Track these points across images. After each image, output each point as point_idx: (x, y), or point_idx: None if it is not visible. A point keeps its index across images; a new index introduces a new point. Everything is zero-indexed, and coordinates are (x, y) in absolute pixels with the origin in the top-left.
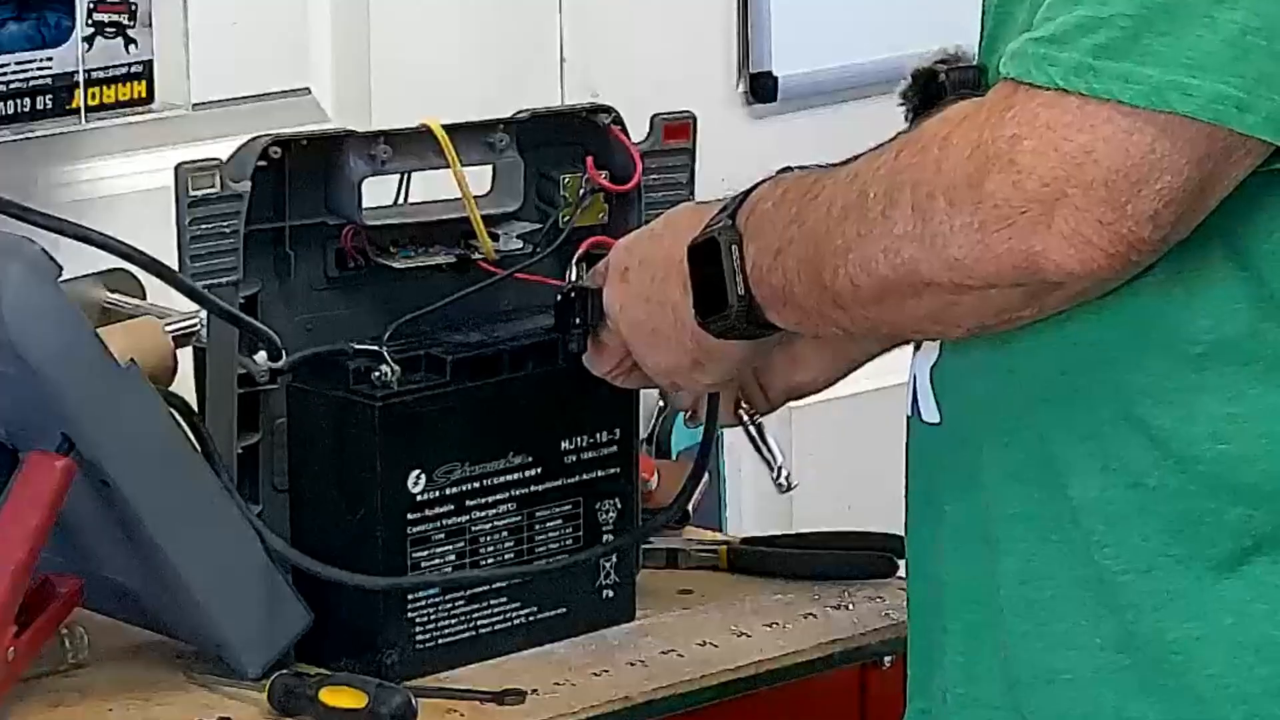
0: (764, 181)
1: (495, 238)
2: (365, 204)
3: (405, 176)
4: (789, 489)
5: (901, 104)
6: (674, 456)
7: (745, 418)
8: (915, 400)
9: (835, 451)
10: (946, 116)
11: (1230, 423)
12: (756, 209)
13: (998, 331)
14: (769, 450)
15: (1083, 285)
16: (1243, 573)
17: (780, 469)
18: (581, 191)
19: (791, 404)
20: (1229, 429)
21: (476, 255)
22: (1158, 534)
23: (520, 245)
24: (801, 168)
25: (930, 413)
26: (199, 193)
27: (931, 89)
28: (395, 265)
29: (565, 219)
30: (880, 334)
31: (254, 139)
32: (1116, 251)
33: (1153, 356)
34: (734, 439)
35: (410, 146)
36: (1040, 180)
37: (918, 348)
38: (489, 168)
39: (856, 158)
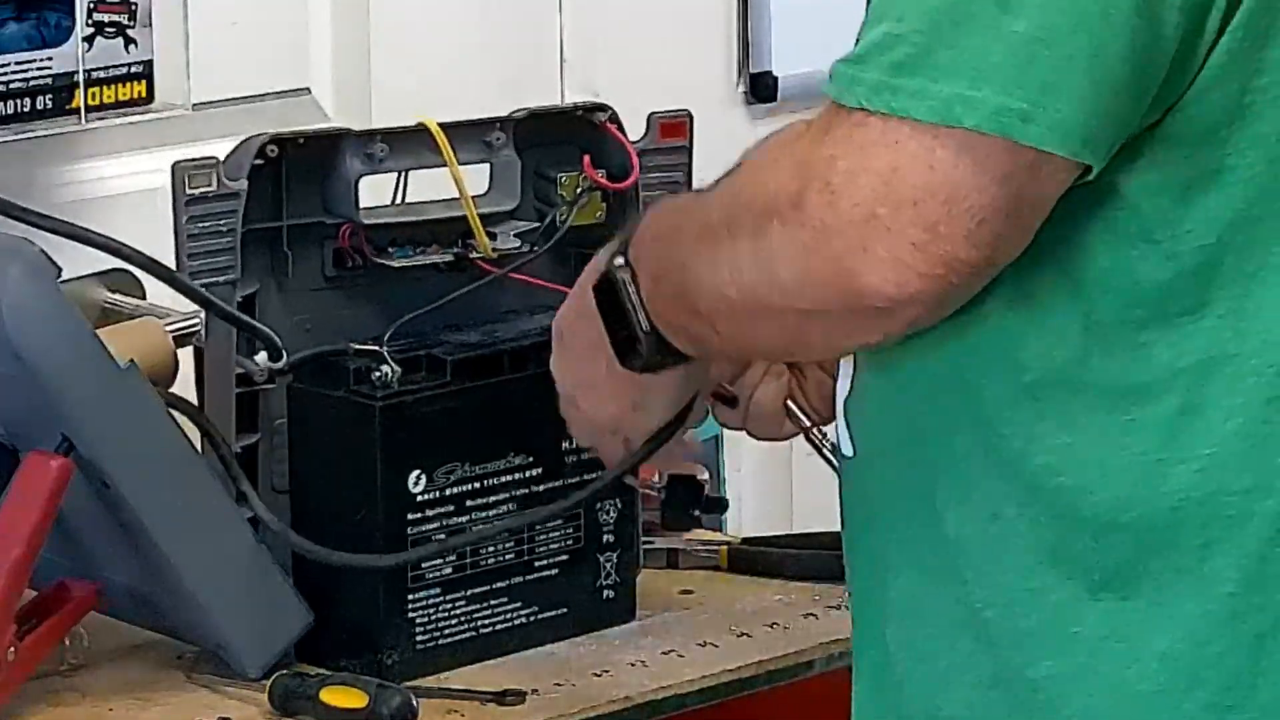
0: (649, 208)
1: (493, 237)
2: (363, 204)
3: (403, 176)
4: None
5: None
6: None
7: (803, 420)
8: (838, 434)
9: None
10: (779, 137)
11: (1067, 453)
12: (643, 239)
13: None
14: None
15: (911, 311)
16: (1095, 608)
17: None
18: (579, 190)
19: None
20: (1066, 459)
21: (474, 254)
22: (1015, 568)
23: (518, 244)
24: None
25: (846, 446)
26: (196, 191)
27: None
28: (393, 264)
29: (562, 218)
30: (755, 355)
31: (251, 137)
32: (934, 273)
33: (996, 384)
34: (734, 439)
35: (407, 145)
36: (852, 201)
37: (835, 379)
38: (486, 168)
39: (720, 179)
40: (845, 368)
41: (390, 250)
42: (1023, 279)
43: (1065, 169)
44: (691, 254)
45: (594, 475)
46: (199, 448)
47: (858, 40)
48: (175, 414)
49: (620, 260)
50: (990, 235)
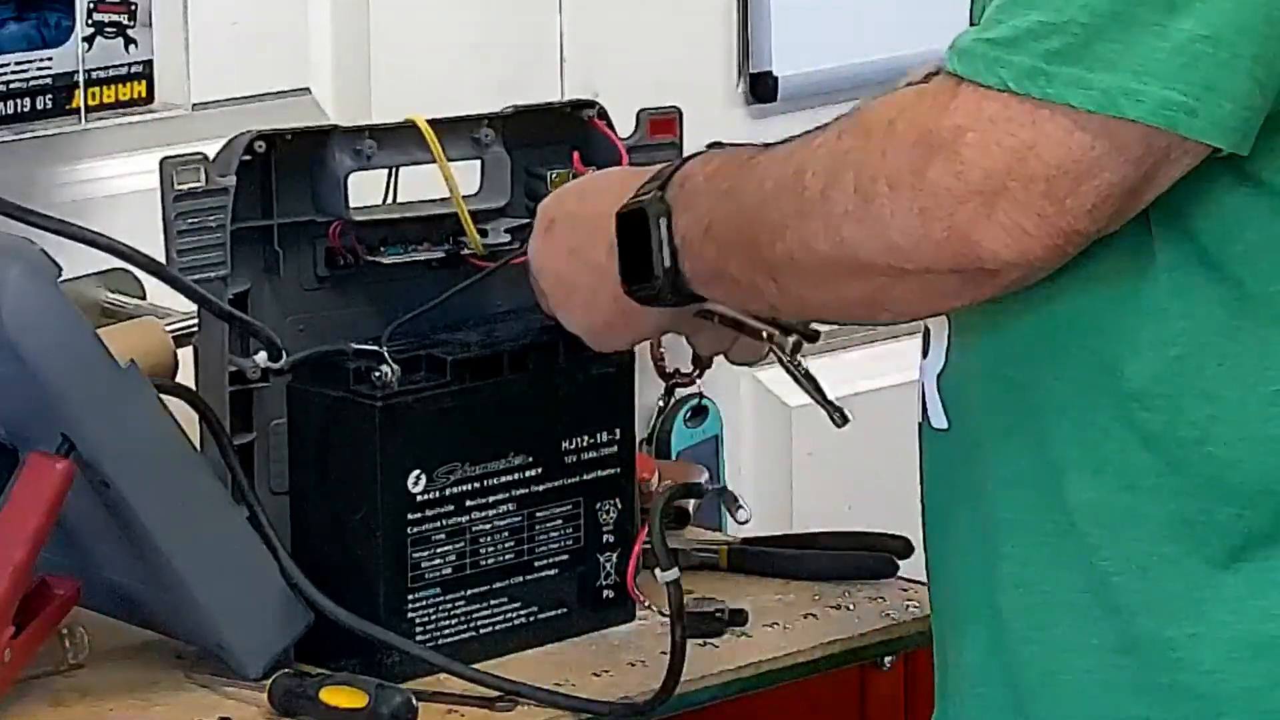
0: (695, 156)
1: (483, 233)
2: (354, 204)
3: (394, 174)
4: (845, 421)
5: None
6: (674, 456)
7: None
8: (924, 406)
9: (835, 451)
10: (892, 102)
11: (1213, 424)
12: (688, 182)
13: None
14: (815, 388)
15: (1017, 274)
16: (1236, 569)
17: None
18: None
19: (791, 404)
20: (1213, 431)
21: (465, 251)
22: (1151, 535)
23: (508, 240)
24: (731, 145)
25: (938, 419)
26: (184, 187)
27: None
28: (384, 262)
29: None
30: (808, 314)
31: (240, 134)
32: (1053, 244)
33: (1140, 361)
34: (735, 440)
35: (396, 141)
36: (983, 172)
37: (925, 354)
38: (478, 169)
39: (791, 139)
40: (936, 343)
41: (381, 249)
42: (1168, 256)
43: (1197, 153)
44: (767, 205)
45: (594, 475)
46: (199, 447)
47: (983, 20)
48: (175, 414)
49: (658, 193)
50: (1110, 210)
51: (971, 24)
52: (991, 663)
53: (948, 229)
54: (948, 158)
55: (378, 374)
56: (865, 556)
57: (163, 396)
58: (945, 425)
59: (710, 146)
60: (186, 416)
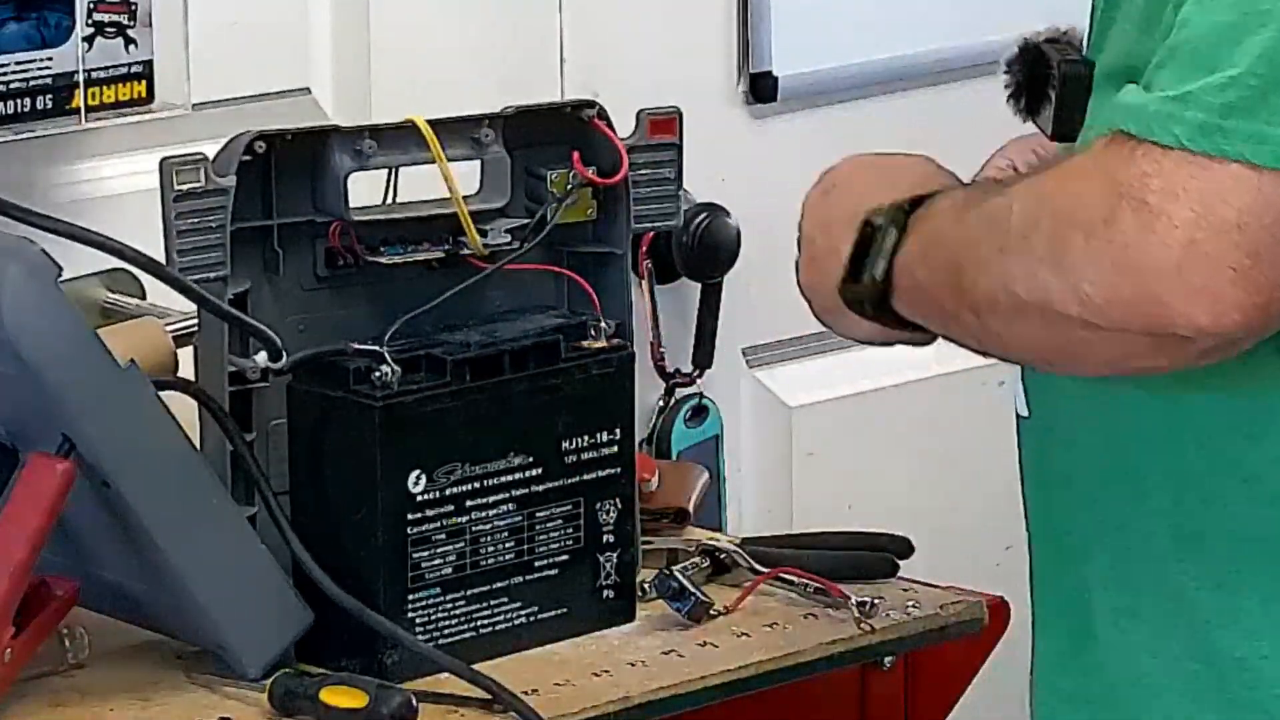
0: (954, 186)
1: (484, 234)
2: (354, 204)
3: (393, 175)
4: None
5: (1005, 73)
6: (674, 456)
7: None
8: (1015, 393)
9: (835, 451)
10: (1090, 151)
11: None
12: (933, 205)
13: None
14: None
15: (1212, 342)
16: None
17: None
18: (569, 186)
19: (791, 404)
20: None
21: (465, 251)
22: (1228, 551)
23: (508, 240)
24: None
25: (1022, 406)
26: (184, 187)
27: (1039, 67)
28: (384, 262)
29: (552, 213)
30: (1009, 354)
31: (240, 134)
32: (1251, 302)
33: (1218, 381)
34: (734, 439)
35: (395, 141)
36: (1171, 222)
37: None
38: (478, 169)
39: (1019, 181)
40: None
41: (381, 249)
42: None
43: None
44: (980, 239)
45: (594, 475)
46: (199, 447)
47: (1151, 77)
48: (175, 414)
49: (906, 207)
50: None
51: (1090, 27)
52: (1073, 656)
53: (1136, 286)
54: (1135, 207)
55: (378, 374)
56: (865, 556)
57: (163, 396)
58: (1027, 414)
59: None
60: (187, 417)
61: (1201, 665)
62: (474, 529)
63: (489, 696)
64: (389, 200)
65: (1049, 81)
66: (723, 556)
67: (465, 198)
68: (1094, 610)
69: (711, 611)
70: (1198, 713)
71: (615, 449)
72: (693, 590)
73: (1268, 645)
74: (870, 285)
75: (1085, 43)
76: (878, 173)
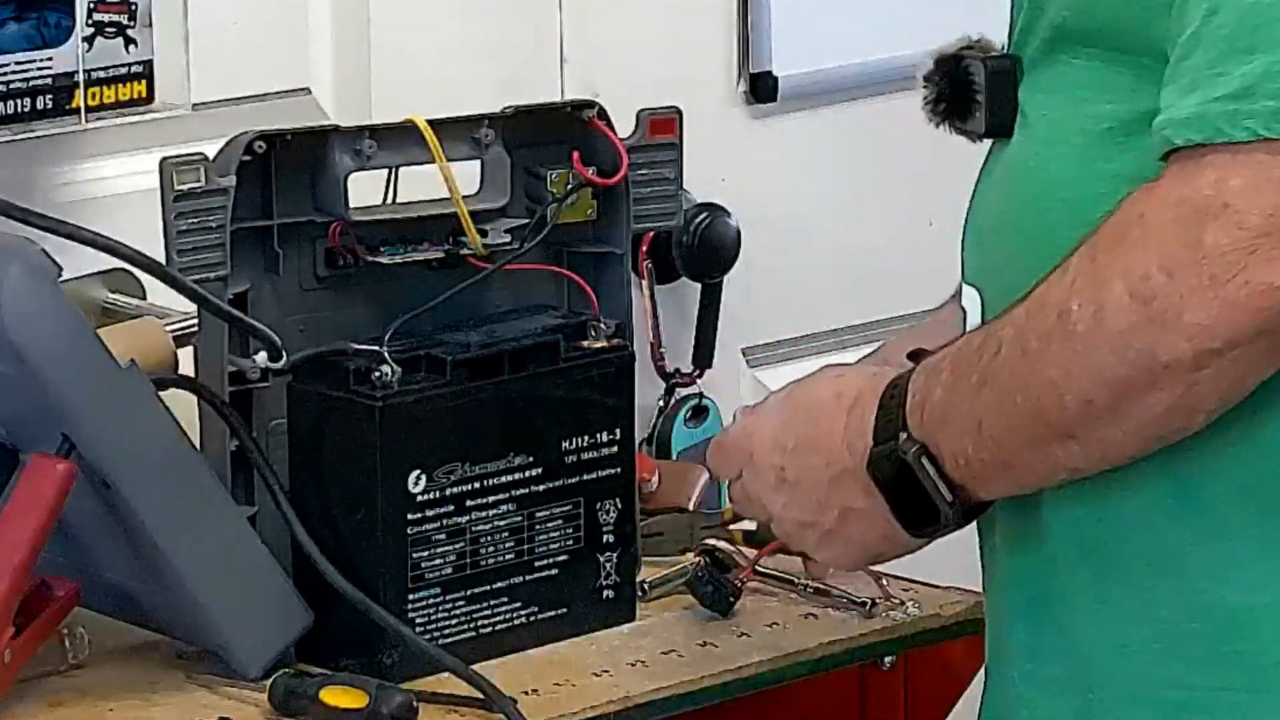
0: (903, 379)
1: (483, 233)
2: (353, 204)
3: (393, 175)
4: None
5: (924, 87)
6: (674, 456)
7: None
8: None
9: None
10: (1131, 204)
11: None
12: (928, 405)
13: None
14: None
15: None
16: None
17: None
18: (568, 186)
19: None
20: None
21: (465, 251)
22: (1224, 503)
23: (508, 239)
24: (927, 352)
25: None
26: (184, 187)
27: (958, 73)
28: (384, 262)
29: (553, 214)
30: (1122, 455)
31: (240, 134)
32: None
33: None
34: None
35: (395, 141)
36: (1263, 212)
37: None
38: (477, 169)
39: (1015, 306)
40: (971, 309)
41: (381, 248)
42: None
43: None
44: (1037, 367)
45: (594, 475)
46: (199, 447)
47: (1187, 81)
48: (175, 415)
49: (904, 436)
50: None
51: (1012, 20)
52: (1044, 638)
53: (1246, 285)
54: (1218, 213)
55: (378, 374)
56: None
57: (164, 396)
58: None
59: (911, 356)
60: (187, 417)
61: (1195, 622)
62: (474, 529)
63: (479, 700)
64: (389, 200)
65: (971, 86)
66: (721, 557)
67: (465, 198)
68: (1064, 588)
69: (730, 598)
70: (1191, 672)
71: (615, 449)
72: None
73: (1268, 595)
74: (952, 512)
75: (1007, 40)
76: (803, 438)
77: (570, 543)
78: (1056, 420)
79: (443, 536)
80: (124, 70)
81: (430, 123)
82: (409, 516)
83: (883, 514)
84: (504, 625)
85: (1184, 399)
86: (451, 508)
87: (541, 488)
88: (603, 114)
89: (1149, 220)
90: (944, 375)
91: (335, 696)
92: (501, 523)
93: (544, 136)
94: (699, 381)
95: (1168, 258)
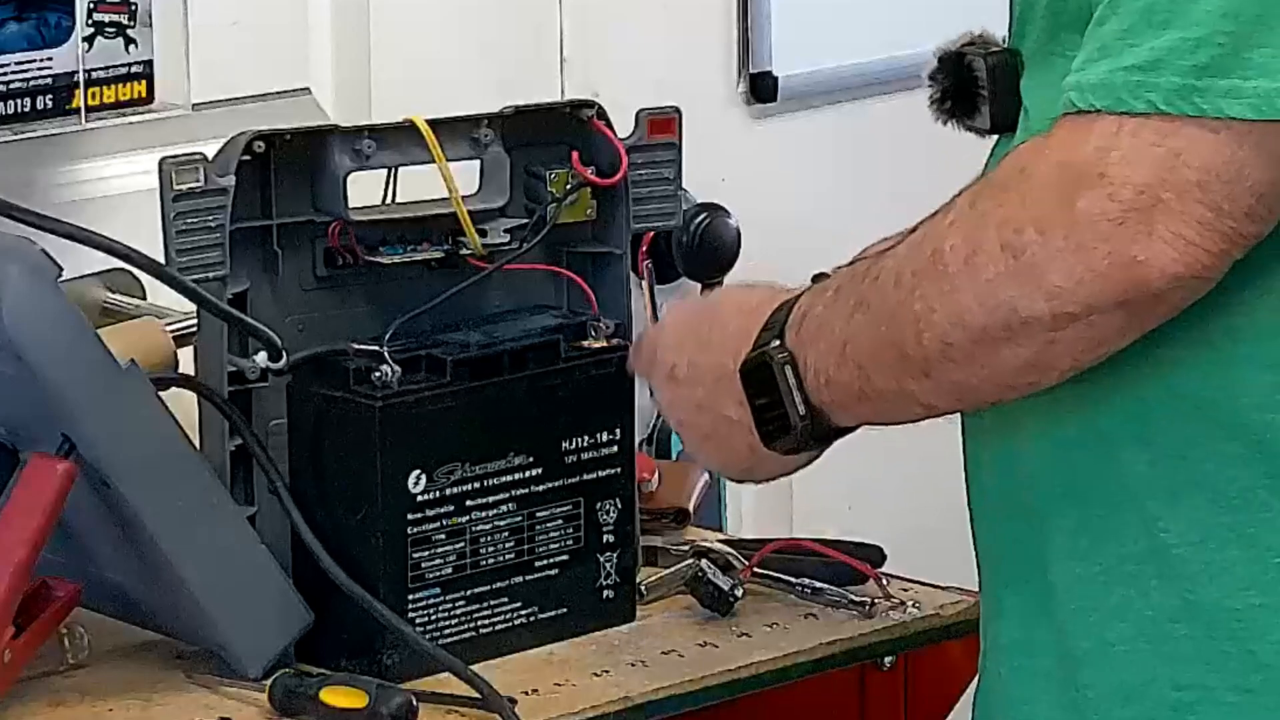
0: (802, 294)
1: (483, 233)
2: (353, 204)
3: (393, 175)
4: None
5: (929, 85)
6: (674, 456)
7: None
8: None
9: (835, 451)
10: (1017, 155)
11: (1275, 392)
12: (806, 319)
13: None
14: None
15: (1184, 292)
16: None
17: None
18: (568, 186)
19: None
20: (1274, 398)
21: (465, 251)
22: (1209, 505)
23: (507, 239)
24: (834, 269)
25: None
26: (183, 187)
27: (961, 71)
28: (383, 261)
29: (552, 214)
30: (967, 401)
31: (239, 134)
32: (1219, 249)
33: (1191, 330)
34: None
35: (395, 141)
36: (1135, 188)
37: None
38: (477, 169)
39: (911, 231)
40: None
41: (381, 249)
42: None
43: None
44: (906, 299)
45: (594, 475)
46: (199, 447)
47: (1098, 47)
48: (175, 415)
49: (776, 343)
50: (1265, 210)
51: (1010, 15)
52: (1035, 636)
53: (1109, 255)
54: (1093, 183)
55: (378, 374)
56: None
57: (164, 395)
58: None
59: (815, 278)
60: (187, 417)
61: (1183, 624)
62: (474, 529)
63: (478, 701)
64: (388, 200)
65: (976, 82)
66: (715, 558)
67: (465, 198)
68: (1055, 586)
69: (730, 599)
70: (1182, 671)
71: (615, 449)
72: (726, 591)
73: (1260, 595)
74: (802, 426)
75: (1008, 34)
76: (700, 338)
77: (570, 543)
78: (914, 355)
79: (443, 536)
80: (124, 70)
81: (430, 123)
82: (409, 516)
83: (749, 425)
84: (504, 625)
85: (1039, 356)
86: (451, 508)
87: (541, 488)
88: (602, 114)
89: (1031, 176)
90: (828, 294)
91: (335, 696)
92: (501, 523)
93: (543, 136)
94: None
95: (1042, 217)
